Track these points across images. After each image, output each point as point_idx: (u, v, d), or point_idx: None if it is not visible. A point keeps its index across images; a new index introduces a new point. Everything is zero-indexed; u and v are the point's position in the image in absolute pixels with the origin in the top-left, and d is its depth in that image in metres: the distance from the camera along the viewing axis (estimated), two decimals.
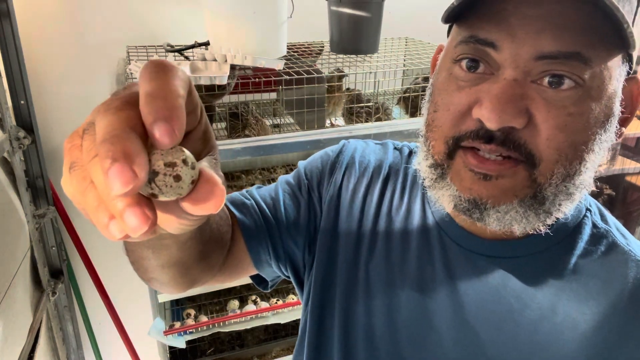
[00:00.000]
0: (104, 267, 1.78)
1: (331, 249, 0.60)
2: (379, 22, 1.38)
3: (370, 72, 1.39)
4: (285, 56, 1.38)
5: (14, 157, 1.46)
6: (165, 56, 1.30)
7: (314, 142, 1.31)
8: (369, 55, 1.43)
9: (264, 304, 1.49)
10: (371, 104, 1.45)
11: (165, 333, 1.38)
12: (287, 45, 1.41)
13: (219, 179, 0.28)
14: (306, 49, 1.54)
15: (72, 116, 1.62)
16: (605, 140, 0.45)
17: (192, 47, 1.35)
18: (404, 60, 1.49)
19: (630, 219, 2.47)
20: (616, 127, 0.47)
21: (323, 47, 1.57)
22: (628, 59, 0.44)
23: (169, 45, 1.42)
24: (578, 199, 0.47)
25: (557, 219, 0.49)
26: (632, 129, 2.50)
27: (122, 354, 1.88)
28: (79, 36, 1.53)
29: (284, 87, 1.48)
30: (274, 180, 1.44)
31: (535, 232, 0.48)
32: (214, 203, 0.27)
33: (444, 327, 0.53)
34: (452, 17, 0.46)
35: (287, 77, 1.24)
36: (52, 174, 1.65)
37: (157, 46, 1.46)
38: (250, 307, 1.48)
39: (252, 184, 1.38)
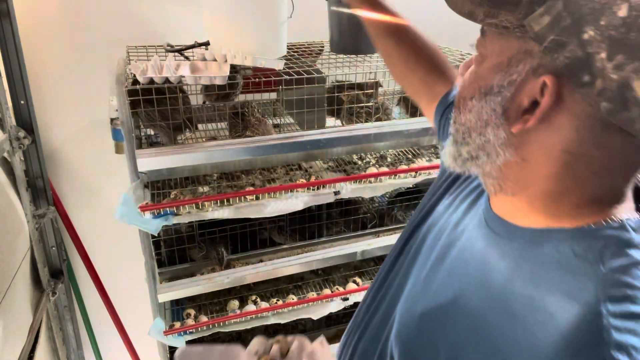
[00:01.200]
0: (104, 267, 1.78)
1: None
2: None
3: (370, 72, 1.39)
4: (285, 56, 1.38)
5: (14, 157, 1.46)
6: (165, 56, 1.30)
7: (314, 142, 1.31)
8: (369, 55, 1.43)
9: (264, 304, 1.49)
10: (371, 103, 1.45)
11: (165, 333, 1.38)
12: (287, 45, 1.41)
13: None
14: (306, 49, 1.54)
15: (72, 116, 1.62)
16: (484, 106, 0.54)
17: (192, 47, 1.35)
18: None
19: None
20: (503, 106, 0.52)
21: (323, 47, 1.57)
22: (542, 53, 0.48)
23: (169, 45, 1.42)
24: (467, 145, 0.57)
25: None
26: None
27: (122, 354, 1.88)
28: (79, 36, 1.53)
29: (284, 87, 1.48)
30: (273, 180, 1.45)
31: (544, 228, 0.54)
32: None
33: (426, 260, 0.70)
34: None
35: (287, 77, 1.24)
36: (52, 174, 1.66)
37: (157, 46, 1.46)
38: (250, 307, 1.48)
39: (252, 184, 1.38)
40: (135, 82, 1.14)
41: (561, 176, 0.51)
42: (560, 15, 0.45)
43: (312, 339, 0.74)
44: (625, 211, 0.52)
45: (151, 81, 1.13)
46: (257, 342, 0.72)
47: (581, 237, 0.51)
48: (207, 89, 1.33)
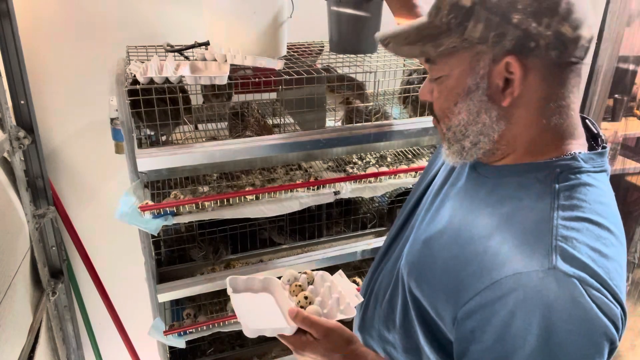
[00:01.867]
0: (104, 267, 1.78)
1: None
2: (378, 22, 1.38)
3: (371, 72, 1.39)
4: (285, 56, 1.38)
5: (14, 157, 1.46)
6: (165, 56, 1.30)
7: (314, 142, 1.31)
8: (369, 55, 1.43)
9: None
10: (371, 104, 1.45)
11: (165, 333, 1.38)
12: (287, 45, 1.41)
13: None
14: (306, 49, 1.54)
15: (72, 116, 1.62)
16: (470, 103, 0.69)
17: (192, 47, 1.35)
18: (404, 60, 1.49)
19: (631, 218, 2.47)
20: (487, 95, 0.68)
21: (323, 47, 1.57)
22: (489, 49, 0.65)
23: (169, 45, 1.42)
24: (467, 137, 0.71)
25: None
26: (632, 129, 2.50)
27: (122, 354, 1.88)
28: (79, 36, 1.53)
29: (284, 87, 1.48)
30: (273, 180, 1.45)
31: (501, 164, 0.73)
32: None
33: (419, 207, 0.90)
34: None
35: (287, 77, 1.24)
36: (52, 174, 1.66)
37: (157, 46, 1.46)
38: None
39: (252, 184, 1.39)
40: (135, 82, 1.14)
41: (539, 120, 0.68)
42: (489, 19, 0.63)
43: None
44: (579, 145, 0.70)
45: (151, 81, 1.13)
46: (288, 274, 0.91)
47: (544, 167, 0.68)
48: (204, 89, 1.33)
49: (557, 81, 0.66)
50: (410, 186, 1.53)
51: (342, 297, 0.87)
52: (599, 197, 0.67)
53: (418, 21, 0.71)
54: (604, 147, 0.72)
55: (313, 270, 0.96)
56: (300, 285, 0.91)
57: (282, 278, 0.93)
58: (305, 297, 0.87)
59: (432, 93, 0.74)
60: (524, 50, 0.63)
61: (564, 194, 0.66)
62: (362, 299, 0.87)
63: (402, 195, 1.70)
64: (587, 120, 0.76)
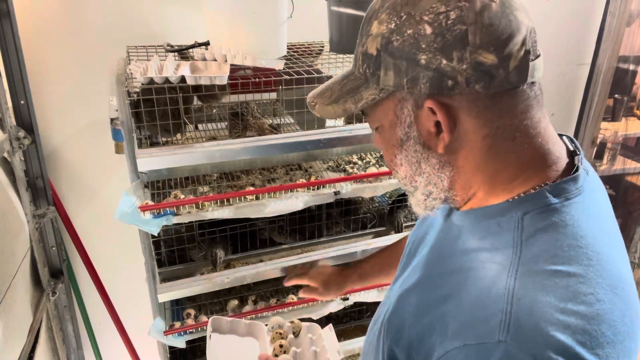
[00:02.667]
0: (104, 267, 1.78)
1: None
2: None
3: None
4: (285, 56, 1.38)
5: (14, 157, 1.46)
6: (165, 56, 1.30)
7: (314, 142, 1.31)
8: None
9: (263, 304, 1.49)
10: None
11: (165, 333, 1.38)
12: (287, 45, 1.41)
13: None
14: (306, 49, 1.54)
15: (72, 116, 1.62)
16: (407, 154, 0.64)
17: (192, 47, 1.35)
18: None
19: (630, 219, 2.47)
20: (421, 143, 0.62)
21: (323, 47, 1.57)
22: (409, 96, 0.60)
23: (169, 45, 1.42)
24: (417, 189, 0.66)
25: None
26: (632, 129, 2.50)
27: (122, 354, 1.88)
28: (79, 36, 1.53)
29: (284, 87, 1.48)
30: (274, 180, 1.45)
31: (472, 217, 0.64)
32: None
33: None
34: None
35: (287, 77, 1.24)
36: (52, 174, 1.66)
37: (157, 46, 1.46)
38: (250, 307, 1.48)
39: (252, 184, 1.38)
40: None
41: (490, 158, 0.60)
42: (396, 65, 0.58)
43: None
44: (553, 172, 0.59)
45: (151, 81, 1.13)
46: (273, 321, 0.87)
47: (506, 210, 0.59)
48: (196, 89, 1.31)
49: (498, 114, 0.57)
50: None
51: (322, 352, 0.84)
52: (576, 238, 0.55)
53: (343, 72, 0.68)
54: (576, 169, 0.60)
55: (294, 318, 0.95)
56: (281, 333, 0.88)
57: (268, 324, 0.90)
58: (281, 346, 0.85)
59: (378, 142, 0.70)
60: (443, 91, 0.56)
61: (527, 242, 0.55)
62: (340, 357, 0.83)
63: (403, 195, 1.70)
64: (564, 137, 0.65)
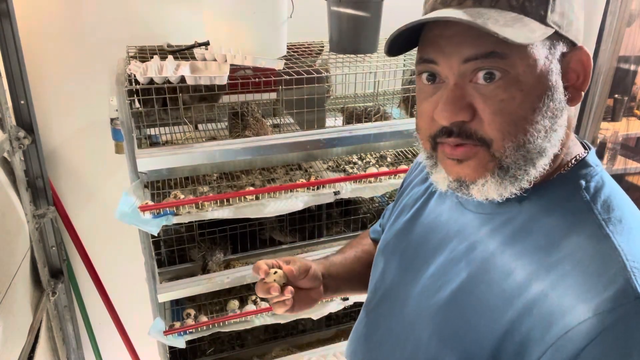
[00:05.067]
0: (104, 267, 1.78)
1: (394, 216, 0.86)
2: (378, 22, 1.38)
3: (370, 72, 1.39)
4: (285, 56, 1.38)
5: (14, 157, 1.46)
6: (165, 56, 1.30)
7: (314, 142, 1.31)
8: (369, 55, 1.43)
9: (264, 304, 1.49)
10: (371, 104, 1.45)
11: (165, 333, 1.38)
12: (287, 45, 1.41)
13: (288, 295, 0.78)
14: (306, 49, 1.54)
15: (72, 116, 1.62)
16: (552, 109, 0.56)
17: (192, 47, 1.35)
18: (404, 60, 1.49)
19: None
20: (566, 94, 0.58)
21: (323, 47, 1.57)
22: (559, 38, 0.56)
23: (169, 45, 1.42)
24: (544, 159, 0.57)
25: (530, 183, 0.59)
26: (632, 129, 2.50)
27: (122, 354, 1.88)
28: (79, 36, 1.53)
29: (284, 87, 1.48)
30: (273, 180, 1.45)
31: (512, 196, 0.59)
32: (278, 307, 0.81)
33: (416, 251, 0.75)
34: (404, 47, 0.62)
35: (287, 77, 1.24)
36: (52, 174, 1.66)
37: (157, 46, 1.46)
38: (250, 307, 1.48)
39: (252, 184, 1.38)
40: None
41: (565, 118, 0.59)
42: (562, 4, 0.55)
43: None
44: (575, 142, 0.63)
45: (151, 81, 1.13)
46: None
47: (562, 184, 0.59)
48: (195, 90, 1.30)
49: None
50: None
51: None
52: (623, 196, 0.60)
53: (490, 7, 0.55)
54: (587, 144, 0.65)
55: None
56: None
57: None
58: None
59: (479, 104, 0.56)
60: (579, 39, 0.58)
61: (601, 207, 0.56)
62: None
63: None
64: None
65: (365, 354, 0.78)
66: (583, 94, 0.59)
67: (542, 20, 0.54)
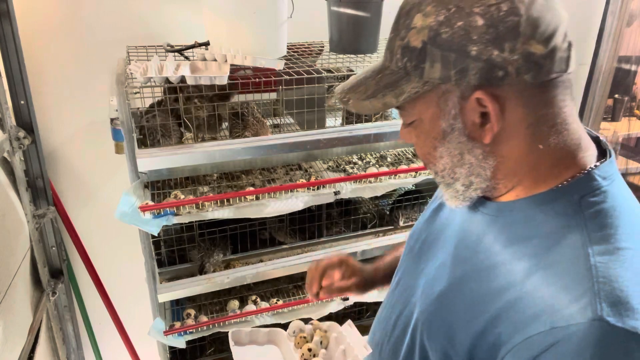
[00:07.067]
0: (104, 267, 1.78)
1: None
2: (378, 22, 1.38)
3: None
4: (285, 56, 1.38)
5: (14, 157, 1.46)
6: (165, 56, 1.30)
7: (314, 142, 1.31)
8: (369, 55, 1.43)
9: (264, 304, 1.49)
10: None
11: (165, 333, 1.38)
12: (287, 45, 1.41)
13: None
14: (306, 49, 1.54)
15: (72, 116, 1.62)
16: (452, 148, 0.64)
17: (192, 47, 1.35)
18: None
19: None
20: (474, 133, 0.62)
21: (323, 47, 1.57)
22: (455, 86, 0.60)
23: (169, 45, 1.42)
24: (458, 183, 0.66)
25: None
26: (632, 129, 2.50)
27: (122, 354, 1.88)
28: (79, 36, 1.53)
29: (284, 87, 1.48)
30: (274, 180, 1.45)
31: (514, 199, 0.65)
32: None
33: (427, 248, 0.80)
34: None
35: (287, 77, 1.24)
36: (52, 174, 1.66)
37: (157, 46, 1.46)
38: (250, 307, 1.48)
39: (252, 184, 1.38)
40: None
41: (534, 146, 0.61)
42: (444, 57, 0.58)
43: None
44: (589, 156, 0.62)
45: (151, 81, 1.13)
46: (294, 325, 0.87)
47: (560, 195, 0.61)
48: (204, 90, 1.32)
49: (542, 103, 0.59)
50: (411, 187, 1.53)
51: (350, 349, 0.84)
52: (630, 215, 0.59)
53: (374, 67, 0.67)
54: (610, 153, 0.64)
55: (294, 318, 0.94)
56: (305, 337, 0.87)
57: (287, 329, 0.89)
58: (309, 350, 0.84)
59: (411, 136, 0.69)
60: (493, 82, 0.57)
61: (592, 224, 0.58)
62: (370, 350, 0.82)
63: (403, 195, 1.70)
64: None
65: (376, 332, 0.85)
66: (490, 133, 0.60)
67: (421, 76, 0.60)
